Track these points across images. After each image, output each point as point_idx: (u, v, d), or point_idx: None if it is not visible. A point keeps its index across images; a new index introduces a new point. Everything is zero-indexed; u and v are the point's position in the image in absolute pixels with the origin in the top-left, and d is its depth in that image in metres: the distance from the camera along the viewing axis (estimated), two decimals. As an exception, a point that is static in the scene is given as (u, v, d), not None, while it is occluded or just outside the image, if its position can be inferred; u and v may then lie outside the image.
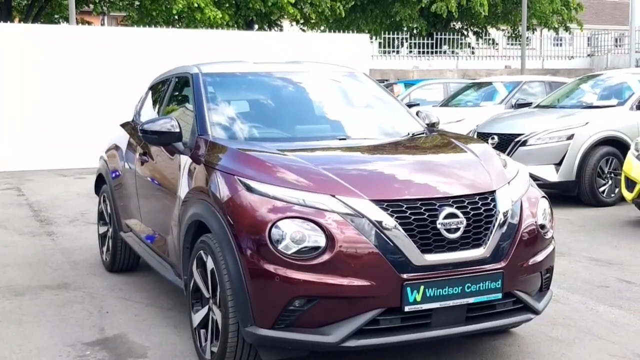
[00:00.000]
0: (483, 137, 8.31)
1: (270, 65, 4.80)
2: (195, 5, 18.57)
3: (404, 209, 3.03)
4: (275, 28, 24.57)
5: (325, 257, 2.93)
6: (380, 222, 2.98)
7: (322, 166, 3.28)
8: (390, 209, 3.02)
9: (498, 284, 3.11)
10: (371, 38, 21.55)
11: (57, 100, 12.40)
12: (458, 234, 3.06)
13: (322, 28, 24.66)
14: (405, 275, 2.96)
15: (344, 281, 2.92)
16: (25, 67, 12.24)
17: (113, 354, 3.66)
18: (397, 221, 2.99)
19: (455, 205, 3.10)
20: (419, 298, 2.97)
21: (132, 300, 4.61)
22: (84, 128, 12.21)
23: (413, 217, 3.02)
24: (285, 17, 22.17)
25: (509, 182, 3.39)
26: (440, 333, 3.07)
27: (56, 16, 22.69)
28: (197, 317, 3.45)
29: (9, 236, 6.66)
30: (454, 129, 9.55)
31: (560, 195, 8.15)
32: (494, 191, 3.26)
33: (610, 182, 8.01)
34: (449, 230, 3.05)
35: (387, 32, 23.83)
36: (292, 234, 2.94)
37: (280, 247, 2.94)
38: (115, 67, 12.68)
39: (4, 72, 12.15)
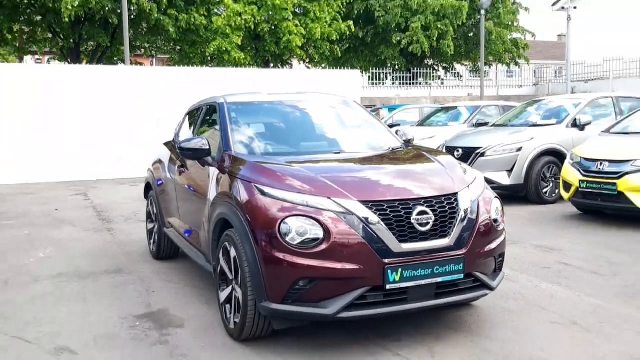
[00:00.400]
0: (450, 150, 8.28)
1: (281, 96, 4.79)
2: (224, 49, 18.78)
3: (385, 207, 3.02)
4: (287, 66, 24.58)
5: (323, 246, 2.92)
6: (366, 219, 2.97)
7: (321, 175, 3.27)
8: (374, 208, 3.01)
9: (460, 267, 3.10)
10: (362, 73, 21.56)
11: (118, 126, 12.49)
12: (428, 227, 3.05)
13: (323, 65, 24.63)
14: (386, 260, 2.95)
15: (338, 265, 2.91)
16: (96, 102, 12.28)
17: (157, 324, 3.66)
18: (379, 217, 2.98)
19: (425, 205, 3.10)
20: (397, 278, 2.96)
21: (173, 282, 4.60)
22: (137, 146, 12.26)
23: (392, 214, 3.01)
24: (295, 57, 22.19)
25: (468, 186, 3.38)
26: (415, 306, 3.06)
27: (115, 58, 22.73)
28: (223, 295, 3.44)
29: (77, 232, 6.66)
30: (427, 144, 9.55)
31: (512, 195, 8.12)
32: (457, 193, 3.25)
33: (551, 185, 7.97)
34: (421, 225, 3.04)
35: (374, 68, 23.82)
36: (297, 229, 2.94)
37: (287, 239, 2.94)
38: (162, 98, 12.73)
39: (82, 106, 12.17)
